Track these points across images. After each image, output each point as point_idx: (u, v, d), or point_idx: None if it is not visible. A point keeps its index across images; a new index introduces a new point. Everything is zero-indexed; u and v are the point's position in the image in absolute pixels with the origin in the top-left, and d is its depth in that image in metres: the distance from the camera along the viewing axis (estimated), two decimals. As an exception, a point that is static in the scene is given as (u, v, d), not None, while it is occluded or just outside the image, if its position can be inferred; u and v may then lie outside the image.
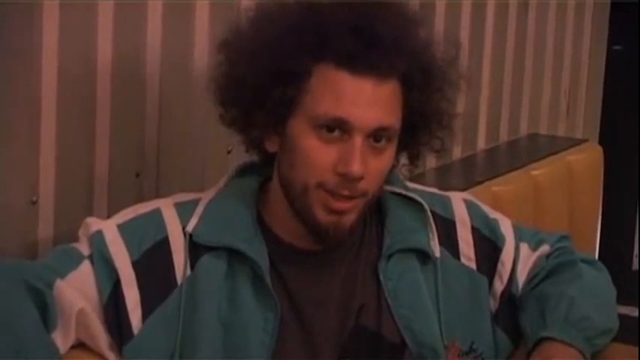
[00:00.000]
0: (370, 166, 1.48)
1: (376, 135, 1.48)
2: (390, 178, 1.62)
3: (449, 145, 1.63)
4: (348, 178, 1.46)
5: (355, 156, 1.46)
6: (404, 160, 1.62)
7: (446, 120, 1.59)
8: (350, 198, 1.48)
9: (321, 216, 1.49)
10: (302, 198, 1.50)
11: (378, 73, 1.47)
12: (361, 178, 1.47)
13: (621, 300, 1.71)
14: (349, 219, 1.50)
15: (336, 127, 1.47)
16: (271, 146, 1.54)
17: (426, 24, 1.57)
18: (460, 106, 2.62)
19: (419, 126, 1.56)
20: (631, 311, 3.27)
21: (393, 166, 1.59)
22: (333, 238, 1.52)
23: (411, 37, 1.53)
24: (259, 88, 1.49)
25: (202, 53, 1.89)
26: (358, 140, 1.47)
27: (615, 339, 1.66)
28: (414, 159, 1.62)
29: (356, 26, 1.47)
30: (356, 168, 1.46)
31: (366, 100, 1.47)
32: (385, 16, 1.50)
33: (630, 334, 1.75)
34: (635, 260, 4.02)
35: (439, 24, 2.54)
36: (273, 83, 1.48)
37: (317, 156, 1.47)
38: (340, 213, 1.49)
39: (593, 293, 1.64)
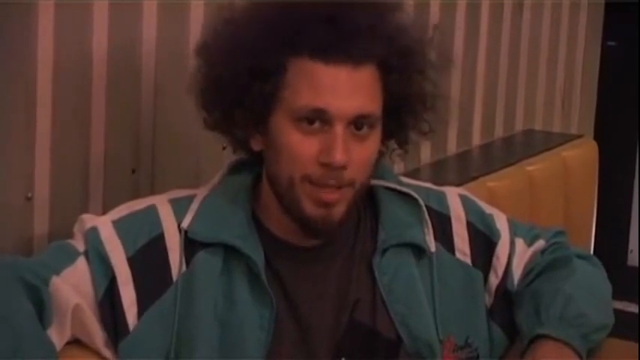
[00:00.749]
0: (354, 154, 1.48)
1: (357, 122, 1.48)
2: (383, 173, 1.63)
3: (437, 128, 1.62)
4: (331, 168, 1.47)
5: (337, 145, 1.46)
6: (393, 146, 1.61)
7: (430, 102, 1.59)
8: (337, 188, 1.48)
9: (310, 209, 1.49)
10: (289, 193, 1.50)
11: (353, 60, 1.47)
12: (345, 166, 1.47)
13: (616, 295, 1.71)
14: (338, 211, 1.50)
15: (316, 119, 1.47)
16: (256, 145, 1.54)
17: (401, 7, 1.57)
18: (455, 101, 2.64)
19: (402, 110, 1.56)
20: (625, 306, 3.28)
21: (382, 154, 1.59)
22: (322, 232, 1.52)
23: (385, 22, 1.52)
24: (238, 88, 1.50)
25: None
26: (339, 129, 1.47)
27: (612, 334, 1.66)
28: (403, 144, 1.62)
29: (327, 16, 1.48)
30: (338, 157, 1.46)
31: (343, 88, 1.47)
32: (357, 4, 1.50)
33: (627, 329, 1.75)
34: (630, 256, 4.03)
35: (434, 21, 2.54)
36: (251, 81, 1.49)
37: (299, 149, 1.48)
38: (328, 205, 1.49)
39: (589, 289, 1.64)
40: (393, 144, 1.61)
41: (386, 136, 1.57)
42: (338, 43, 1.47)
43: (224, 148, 1.77)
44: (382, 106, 1.52)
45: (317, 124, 1.47)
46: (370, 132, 1.50)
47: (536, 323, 1.59)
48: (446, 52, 1.61)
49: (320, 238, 1.55)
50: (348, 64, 1.47)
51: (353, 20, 1.48)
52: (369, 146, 1.51)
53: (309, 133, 1.48)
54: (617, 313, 1.68)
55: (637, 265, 4.01)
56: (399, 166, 2.44)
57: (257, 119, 1.51)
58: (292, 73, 1.49)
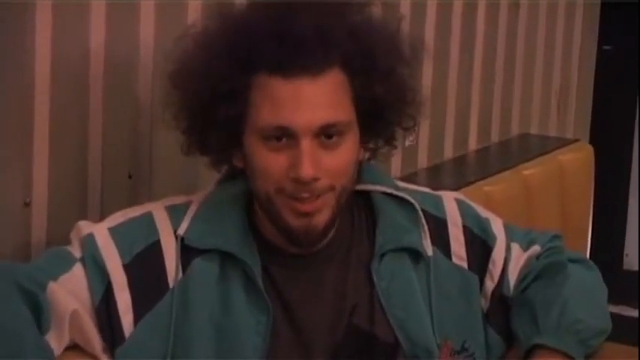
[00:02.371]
0: (325, 164, 1.47)
1: (325, 132, 1.48)
2: (379, 178, 1.63)
3: (420, 120, 1.60)
4: (300, 182, 1.46)
5: (303, 160, 1.45)
6: (381, 143, 1.60)
7: (410, 96, 1.58)
8: (315, 197, 1.48)
9: (291, 220, 1.50)
10: (269, 206, 1.50)
11: (310, 70, 1.46)
12: (315, 179, 1.46)
13: (612, 299, 1.72)
14: (320, 219, 1.50)
15: (282, 135, 1.47)
16: (238, 162, 1.55)
17: (362, 6, 1.55)
18: (452, 105, 2.65)
19: (379, 108, 1.54)
20: (622, 310, 3.29)
21: (374, 154, 1.59)
22: (306, 242, 1.52)
23: (340, 25, 1.50)
24: (205, 112, 1.50)
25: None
26: (305, 143, 1.46)
27: (609, 338, 1.67)
28: (390, 141, 1.61)
29: (277, 30, 1.47)
30: (304, 172, 1.45)
31: (304, 101, 1.46)
32: (305, 13, 1.49)
33: (624, 333, 1.75)
34: (626, 259, 4.03)
35: (429, 26, 2.55)
36: (217, 104, 1.49)
37: (270, 166, 1.48)
38: (308, 215, 1.49)
39: (584, 294, 1.64)
40: (380, 142, 1.60)
41: (370, 136, 1.56)
42: (292, 55, 1.46)
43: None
44: (355, 109, 1.51)
45: (284, 140, 1.47)
46: (341, 139, 1.49)
47: (533, 332, 1.59)
48: (417, 43, 1.58)
49: (304, 247, 1.54)
50: (307, 75, 1.46)
51: (303, 30, 1.46)
52: (342, 153, 1.50)
53: (277, 149, 1.47)
54: (614, 317, 1.69)
55: (632, 269, 4.02)
56: (395, 171, 2.45)
57: (230, 140, 1.52)
58: (255, 91, 1.48)
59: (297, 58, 1.46)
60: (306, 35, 1.46)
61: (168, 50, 1.57)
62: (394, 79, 1.54)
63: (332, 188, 1.49)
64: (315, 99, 1.47)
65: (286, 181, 1.47)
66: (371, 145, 1.58)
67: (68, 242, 1.55)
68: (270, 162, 1.48)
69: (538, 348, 1.58)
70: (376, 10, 1.58)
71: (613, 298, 1.72)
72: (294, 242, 1.52)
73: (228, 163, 1.58)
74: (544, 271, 1.67)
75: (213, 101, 1.49)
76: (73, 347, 1.51)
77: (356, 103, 1.51)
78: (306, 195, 1.47)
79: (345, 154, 1.50)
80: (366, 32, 1.52)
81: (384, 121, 1.57)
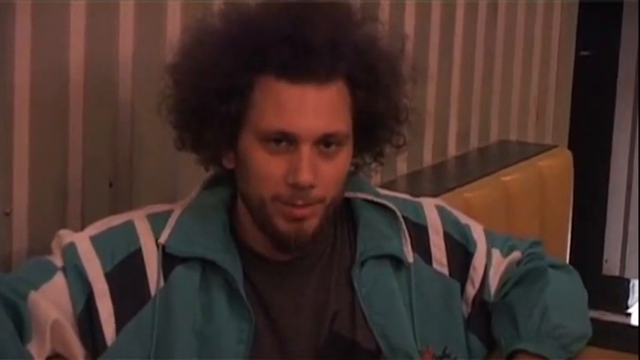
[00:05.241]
0: (322, 172, 1.48)
1: (324, 141, 1.48)
2: (360, 184, 1.63)
3: (412, 141, 1.62)
4: (298, 188, 1.47)
5: (303, 166, 1.46)
6: (368, 159, 1.61)
7: (404, 115, 1.58)
8: (307, 205, 1.48)
9: (282, 225, 1.50)
10: (261, 211, 1.50)
11: (318, 78, 1.47)
12: (312, 186, 1.47)
13: (591, 304, 1.73)
14: (310, 225, 1.50)
15: (283, 139, 1.47)
16: (228, 163, 1.55)
17: (368, 21, 1.56)
18: (430, 112, 2.66)
19: (375, 123, 1.56)
20: (601, 315, 3.31)
21: (358, 167, 1.60)
22: (295, 246, 1.52)
23: (350, 38, 1.51)
24: (205, 108, 1.50)
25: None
26: (305, 149, 1.47)
27: (591, 343, 1.68)
28: (378, 157, 1.61)
29: (291, 35, 1.47)
30: (303, 178, 1.46)
31: (309, 108, 1.47)
32: (320, 21, 1.49)
33: (602, 338, 1.76)
34: (605, 265, 4.05)
35: (409, 31, 2.56)
36: (218, 101, 1.49)
37: (267, 169, 1.48)
38: (300, 220, 1.49)
39: (565, 299, 1.65)
40: (368, 157, 1.61)
41: (360, 150, 1.57)
42: (302, 61, 1.46)
43: (202, 162, 1.77)
44: (352, 122, 1.52)
45: (284, 144, 1.47)
46: (338, 149, 1.50)
47: (513, 337, 1.59)
48: (418, 64, 1.60)
49: (293, 252, 1.54)
50: (314, 83, 1.47)
51: (316, 38, 1.47)
52: (338, 164, 1.50)
53: (275, 153, 1.47)
54: (593, 321, 1.70)
55: (612, 274, 4.04)
56: (375, 178, 2.45)
57: (226, 139, 1.51)
58: (258, 92, 1.48)
59: (306, 63, 1.46)
60: (318, 43, 1.47)
61: (172, 43, 1.56)
62: (392, 96, 1.55)
63: (323, 199, 1.50)
64: (319, 107, 1.47)
65: (283, 186, 1.47)
66: (357, 160, 1.59)
67: (49, 252, 1.55)
68: (268, 165, 1.48)
69: (519, 353, 1.58)
70: (381, 28, 1.59)
71: (592, 303, 1.73)
72: (283, 247, 1.52)
73: (217, 164, 1.57)
74: (525, 277, 1.68)
75: (214, 98, 1.49)
76: (55, 356, 1.50)
77: (353, 117, 1.52)
78: (300, 202, 1.48)
79: (340, 164, 1.51)
80: (372, 48, 1.53)
81: (376, 138, 1.58)
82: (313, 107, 1.47)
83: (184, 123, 1.54)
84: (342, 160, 1.51)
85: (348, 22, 1.54)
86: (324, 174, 1.48)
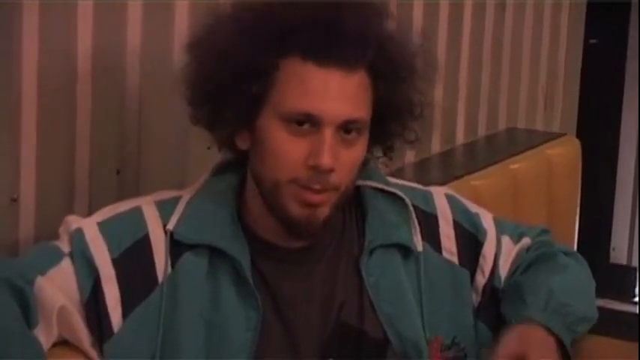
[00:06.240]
0: (341, 158, 1.48)
1: (346, 127, 1.48)
2: (370, 173, 1.63)
3: (422, 136, 1.62)
4: (319, 171, 1.47)
5: (325, 148, 1.46)
6: (378, 152, 1.62)
7: (418, 110, 1.59)
8: (323, 191, 1.48)
9: (294, 209, 1.49)
10: (274, 193, 1.50)
11: (345, 64, 1.47)
12: (332, 170, 1.47)
13: (598, 293, 1.72)
14: (322, 212, 1.50)
15: (306, 121, 1.47)
16: (242, 143, 1.54)
17: (393, 15, 1.57)
18: (438, 100, 2.65)
19: (390, 117, 1.56)
20: (607, 303, 3.30)
21: (368, 159, 1.59)
22: (306, 232, 1.52)
23: (377, 28, 1.52)
24: (227, 86, 1.49)
25: (182, 49, 1.89)
26: (328, 133, 1.47)
27: (595, 332, 1.68)
28: (388, 151, 1.62)
29: (321, 19, 1.48)
30: (326, 160, 1.46)
31: (333, 92, 1.47)
32: (351, 8, 1.50)
33: (611, 326, 1.76)
34: (612, 253, 4.05)
35: (417, 21, 2.55)
36: (241, 80, 1.48)
37: (287, 150, 1.48)
38: (313, 206, 1.49)
39: (573, 282, 1.65)
40: (377, 150, 1.61)
41: (371, 143, 1.56)
42: (331, 46, 1.47)
43: (209, 148, 1.77)
44: (371, 113, 1.52)
45: (306, 126, 1.47)
46: (358, 137, 1.50)
47: (521, 309, 1.58)
48: (433, 62, 1.60)
49: (303, 238, 1.55)
50: (340, 68, 1.47)
51: (347, 24, 1.48)
52: (356, 151, 1.51)
53: (297, 134, 1.48)
54: (600, 310, 1.70)
55: (619, 262, 4.04)
56: (382, 166, 2.45)
57: (245, 118, 1.51)
58: (283, 73, 1.48)
59: (335, 48, 1.47)
60: (348, 29, 1.47)
61: (198, 18, 1.56)
62: (409, 91, 1.56)
63: (338, 186, 1.50)
64: (344, 92, 1.48)
65: (302, 169, 1.47)
66: (367, 155, 1.58)
67: (56, 238, 1.55)
68: (288, 146, 1.47)
69: (525, 320, 1.57)
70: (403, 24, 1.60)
71: (599, 292, 1.73)
72: (293, 232, 1.52)
73: (231, 144, 1.56)
74: (534, 262, 1.68)
75: (238, 76, 1.48)
76: (61, 342, 1.50)
77: (372, 107, 1.52)
78: (317, 186, 1.47)
79: (358, 152, 1.51)
80: (395, 42, 1.54)
81: (389, 131, 1.58)
82: (338, 92, 1.47)
83: (204, 99, 1.53)
84: (360, 147, 1.51)
85: (376, 14, 1.54)
86: (343, 160, 1.49)
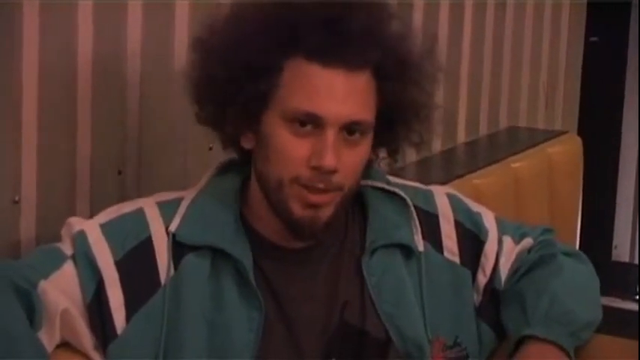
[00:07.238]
0: (344, 158, 1.48)
1: (349, 128, 1.48)
2: (371, 172, 1.63)
3: (427, 138, 1.63)
4: (321, 171, 1.47)
5: (328, 149, 1.46)
6: (383, 154, 1.62)
7: (423, 113, 1.59)
8: (325, 191, 1.48)
9: (297, 210, 1.49)
10: (277, 193, 1.50)
11: (350, 64, 1.47)
12: (335, 170, 1.47)
13: (601, 291, 1.72)
14: (325, 213, 1.50)
15: (309, 122, 1.47)
16: (247, 143, 1.54)
17: (399, 16, 1.57)
18: (439, 99, 2.65)
19: (395, 119, 1.56)
20: (610, 302, 3.30)
21: (372, 160, 1.59)
22: (309, 233, 1.52)
23: (384, 30, 1.52)
24: (232, 85, 1.49)
25: (182, 50, 1.89)
26: (331, 133, 1.47)
27: (599, 330, 1.67)
28: (393, 153, 1.62)
29: (326, 19, 1.47)
30: (328, 161, 1.46)
31: (338, 93, 1.47)
32: (356, 9, 1.50)
33: (612, 325, 1.76)
34: (614, 251, 4.05)
35: (417, 20, 2.55)
36: (246, 79, 1.48)
37: (290, 150, 1.48)
38: (316, 207, 1.49)
39: (575, 286, 1.65)
40: (382, 152, 1.61)
41: (376, 144, 1.56)
42: (336, 46, 1.46)
43: (211, 149, 1.78)
44: (375, 114, 1.52)
45: (309, 127, 1.47)
46: (362, 138, 1.50)
47: (522, 323, 1.59)
48: (439, 63, 1.60)
49: (306, 239, 1.54)
50: (345, 69, 1.47)
51: (352, 25, 1.47)
52: (360, 152, 1.51)
53: (300, 134, 1.48)
54: (603, 308, 1.69)
55: (621, 260, 4.04)
56: (382, 165, 2.45)
57: (249, 117, 1.51)
58: (288, 73, 1.48)
59: (341, 49, 1.46)
60: (354, 30, 1.47)
61: (198, 19, 1.55)
62: (416, 93, 1.56)
63: (341, 187, 1.50)
64: (348, 93, 1.48)
65: (305, 169, 1.47)
66: (371, 156, 1.58)
67: (58, 240, 1.55)
68: (292, 146, 1.47)
69: (528, 338, 1.58)
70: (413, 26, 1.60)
71: (602, 290, 1.73)
72: (296, 233, 1.52)
73: (236, 143, 1.56)
74: (536, 264, 1.67)
75: (244, 75, 1.48)
76: (63, 345, 1.50)
77: (377, 109, 1.52)
78: (321, 186, 1.48)
79: (361, 153, 1.51)
80: (403, 44, 1.54)
81: (395, 134, 1.58)
82: (342, 93, 1.47)
83: (209, 98, 1.54)
84: (363, 149, 1.51)
85: (383, 15, 1.54)
86: (347, 161, 1.49)
